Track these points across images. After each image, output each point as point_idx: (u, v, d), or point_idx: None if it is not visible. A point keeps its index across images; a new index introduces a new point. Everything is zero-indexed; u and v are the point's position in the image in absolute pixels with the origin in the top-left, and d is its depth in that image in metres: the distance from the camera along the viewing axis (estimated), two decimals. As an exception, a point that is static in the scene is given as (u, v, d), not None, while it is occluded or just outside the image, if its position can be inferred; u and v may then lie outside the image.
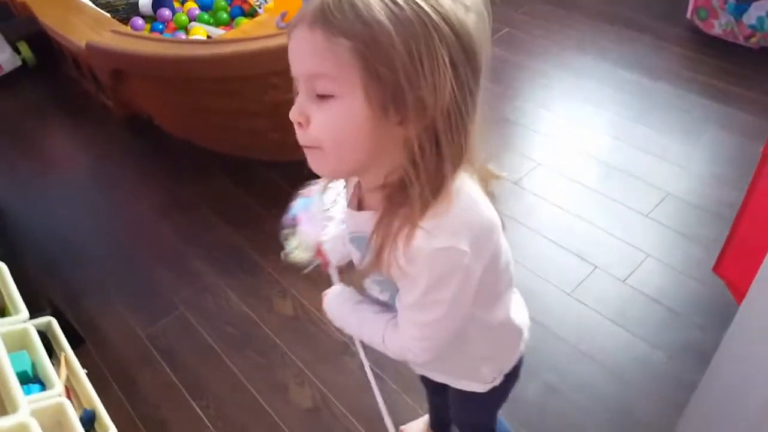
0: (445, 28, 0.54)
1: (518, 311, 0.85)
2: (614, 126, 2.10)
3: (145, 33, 2.05)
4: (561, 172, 1.94)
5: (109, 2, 2.72)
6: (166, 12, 2.70)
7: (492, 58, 0.60)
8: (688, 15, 2.47)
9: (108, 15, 2.55)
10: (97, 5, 2.67)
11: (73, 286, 1.80)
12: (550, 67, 2.40)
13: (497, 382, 0.87)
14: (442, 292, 0.64)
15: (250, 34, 1.96)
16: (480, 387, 0.86)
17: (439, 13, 0.54)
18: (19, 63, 2.75)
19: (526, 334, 0.87)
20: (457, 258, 0.62)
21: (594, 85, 2.28)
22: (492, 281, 0.72)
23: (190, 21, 2.66)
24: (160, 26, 2.69)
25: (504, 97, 2.26)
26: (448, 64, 0.54)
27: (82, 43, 2.07)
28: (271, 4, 2.09)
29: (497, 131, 2.11)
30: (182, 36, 2.52)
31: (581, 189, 1.87)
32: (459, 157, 0.60)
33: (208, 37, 2.50)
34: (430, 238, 0.60)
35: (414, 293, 0.65)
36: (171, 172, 2.15)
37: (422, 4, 0.53)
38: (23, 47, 2.77)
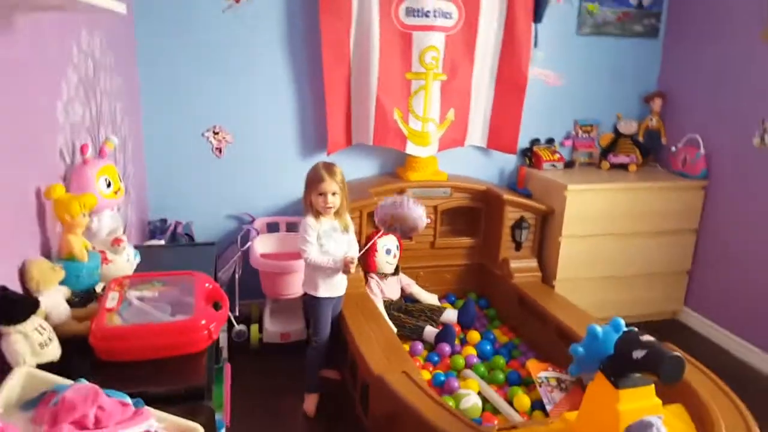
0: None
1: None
2: None
3: (435, 394, 2.02)
4: None
5: (399, 317, 2.91)
6: (446, 348, 2.75)
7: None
8: None
9: (395, 330, 2.70)
10: (389, 315, 2.88)
11: None
12: None
13: None
14: None
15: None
16: None
17: None
18: (304, 336, 2.99)
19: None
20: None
21: None
22: None
23: (466, 366, 2.64)
24: (436, 358, 2.72)
25: None
26: None
27: (375, 372, 2.11)
28: (571, 414, 1.91)
29: None
30: (455, 380, 2.47)
31: None
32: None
33: (479, 393, 2.41)
34: None
35: None
36: None
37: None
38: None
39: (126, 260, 1.38)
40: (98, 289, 1.33)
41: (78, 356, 1.08)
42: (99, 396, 0.87)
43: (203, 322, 1.12)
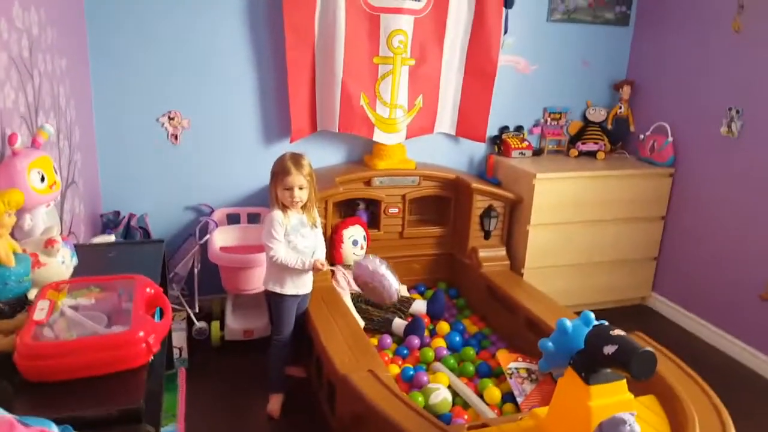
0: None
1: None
2: None
3: (402, 393, 1.95)
4: None
5: (368, 309, 2.83)
6: (415, 340, 2.69)
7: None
8: None
9: (363, 324, 2.63)
10: (356, 308, 2.79)
11: None
12: None
13: None
14: None
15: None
16: None
17: None
18: (268, 333, 2.87)
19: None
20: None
21: None
22: None
23: (436, 358, 2.59)
24: (405, 351, 2.66)
25: None
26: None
27: (340, 372, 2.03)
28: (541, 410, 1.86)
29: None
30: (424, 374, 2.41)
31: None
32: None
33: (449, 386, 2.36)
34: None
35: None
36: None
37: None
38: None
39: (61, 263, 1.26)
40: (31, 296, 1.20)
41: (1, 377, 0.96)
42: (14, 429, 0.77)
43: (141, 334, 1.01)
